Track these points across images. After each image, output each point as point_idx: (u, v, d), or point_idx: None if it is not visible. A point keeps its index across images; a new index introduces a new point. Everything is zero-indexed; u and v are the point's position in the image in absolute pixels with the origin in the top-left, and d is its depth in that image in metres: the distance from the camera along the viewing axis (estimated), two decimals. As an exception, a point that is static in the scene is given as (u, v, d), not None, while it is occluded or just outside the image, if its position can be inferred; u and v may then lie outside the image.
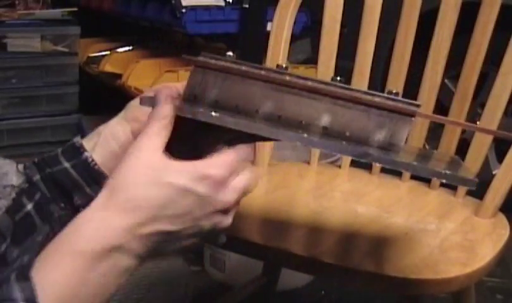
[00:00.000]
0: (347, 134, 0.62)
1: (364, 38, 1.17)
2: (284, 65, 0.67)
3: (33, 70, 2.30)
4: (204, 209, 0.57)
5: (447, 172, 0.61)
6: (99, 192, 0.56)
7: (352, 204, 1.05)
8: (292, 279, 1.63)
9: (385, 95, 0.63)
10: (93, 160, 0.67)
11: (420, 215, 1.02)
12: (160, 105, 0.59)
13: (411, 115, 0.62)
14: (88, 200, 0.58)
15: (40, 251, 0.53)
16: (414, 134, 1.15)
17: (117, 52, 2.43)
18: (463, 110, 1.11)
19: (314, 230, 0.96)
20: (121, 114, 0.68)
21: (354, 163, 1.22)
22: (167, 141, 0.58)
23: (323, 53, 1.19)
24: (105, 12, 2.52)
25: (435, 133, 1.25)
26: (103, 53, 2.46)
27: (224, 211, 0.59)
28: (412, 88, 1.11)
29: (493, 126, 1.06)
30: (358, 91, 0.64)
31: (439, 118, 0.71)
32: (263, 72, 0.65)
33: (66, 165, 0.67)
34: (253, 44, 2.01)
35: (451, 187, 1.12)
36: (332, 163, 1.49)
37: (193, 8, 2.06)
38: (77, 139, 0.69)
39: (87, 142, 0.68)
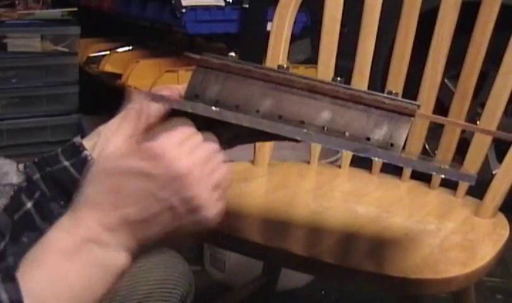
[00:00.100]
0: (347, 134, 0.62)
1: (364, 38, 1.17)
2: (284, 66, 0.67)
3: (33, 70, 2.30)
4: (161, 186, 0.55)
5: (446, 166, 0.61)
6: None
7: (352, 204, 1.05)
8: (292, 279, 1.63)
9: (385, 95, 0.63)
10: (92, 159, 0.67)
11: (420, 215, 1.02)
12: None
13: (411, 115, 0.62)
14: None
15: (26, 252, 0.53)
16: (414, 134, 1.15)
17: (117, 52, 2.43)
18: (463, 109, 1.11)
19: (314, 230, 0.96)
20: (121, 114, 0.68)
21: (354, 163, 1.22)
22: (132, 130, 0.60)
23: (323, 53, 1.19)
24: (105, 12, 2.52)
25: (435, 133, 1.25)
26: (103, 53, 2.46)
27: (191, 187, 0.56)
28: (412, 87, 1.11)
29: (493, 126, 1.06)
30: (358, 91, 0.64)
31: (439, 118, 0.71)
32: (264, 72, 0.65)
33: (66, 163, 0.67)
34: (253, 44, 2.01)
35: (450, 187, 1.12)
36: (332, 163, 1.49)
37: (193, 8, 2.06)
38: (77, 139, 0.69)
39: (87, 142, 0.69)
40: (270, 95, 0.64)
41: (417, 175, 1.15)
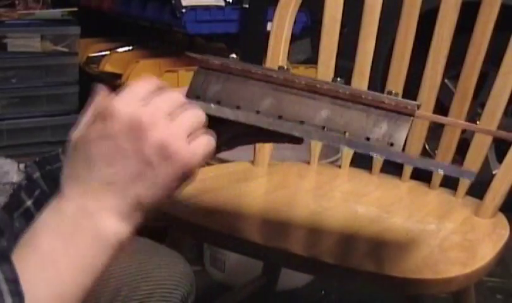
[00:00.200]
0: (347, 134, 0.62)
1: (364, 38, 1.18)
2: (285, 67, 0.67)
3: (33, 70, 2.30)
4: (123, 140, 0.54)
5: (445, 163, 0.61)
6: None
7: (352, 204, 1.05)
8: (292, 279, 1.63)
9: (385, 95, 0.63)
10: None
11: (420, 215, 1.02)
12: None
13: (411, 114, 0.62)
14: None
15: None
16: (414, 134, 1.15)
17: (117, 52, 2.43)
18: (463, 110, 1.11)
19: (314, 230, 0.96)
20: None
21: (354, 163, 1.22)
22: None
23: (323, 53, 1.19)
24: (105, 12, 2.52)
25: (435, 133, 1.25)
26: (103, 53, 2.46)
27: (153, 131, 0.54)
28: (412, 88, 1.11)
29: (493, 126, 1.06)
30: (357, 90, 0.64)
31: (439, 118, 0.71)
32: (264, 73, 0.65)
33: None
34: (253, 44, 2.01)
35: (450, 187, 1.12)
36: (332, 163, 1.49)
37: (193, 8, 2.06)
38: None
39: None
40: (271, 96, 0.64)
41: (417, 176, 1.15)
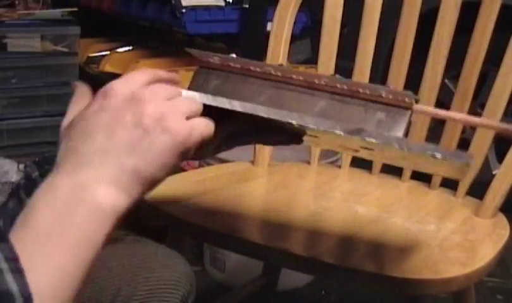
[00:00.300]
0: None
1: (364, 38, 1.18)
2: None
3: (33, 70, 2.30)
4: (120, 109, 0.55)
5: (441, 148, 0.60)
6: None
7: (352, 204, 1.05)
8: (292, 279, 1.63)
9: (383, 86, 0.63)
10: None
11: (420, 215, 1.02)
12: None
13: (408, 108, 0.62)
14: None
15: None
16: (414, 133, 1.15)
17: (117, 52, 2.43)
18: (463, 110, 1.11)
19: (314, 230, 0.96)
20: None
21: (354, 163, 1.22)
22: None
23: (323, 53, 1.19)
24: (105, 12, 2.53)
25: (435, 133, 1.25)
26: (103, 53, 2.46)
27: (150, 101, 0.55)
28: (412, 88, 1.11)
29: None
30: (355, 84, 0.64)
31: (438, 112, 0.70)
32: (264, 70, 0.65)
33: None
34: (253, 44, 2.01)
35: (450, 187, 1.12)
36: (332, 163, 1.49)
37: (193, 8, 2.06)
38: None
39: None
40: (269, 93, 0.65)
41: (417, 176, 1.15)
